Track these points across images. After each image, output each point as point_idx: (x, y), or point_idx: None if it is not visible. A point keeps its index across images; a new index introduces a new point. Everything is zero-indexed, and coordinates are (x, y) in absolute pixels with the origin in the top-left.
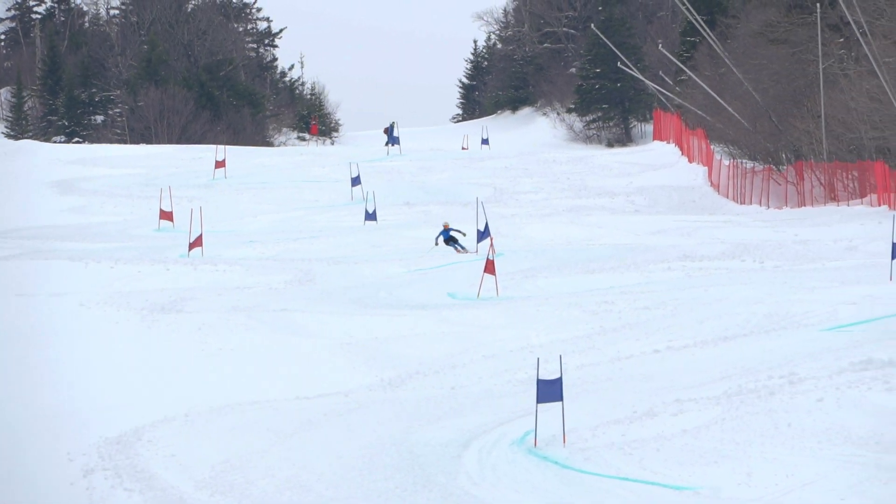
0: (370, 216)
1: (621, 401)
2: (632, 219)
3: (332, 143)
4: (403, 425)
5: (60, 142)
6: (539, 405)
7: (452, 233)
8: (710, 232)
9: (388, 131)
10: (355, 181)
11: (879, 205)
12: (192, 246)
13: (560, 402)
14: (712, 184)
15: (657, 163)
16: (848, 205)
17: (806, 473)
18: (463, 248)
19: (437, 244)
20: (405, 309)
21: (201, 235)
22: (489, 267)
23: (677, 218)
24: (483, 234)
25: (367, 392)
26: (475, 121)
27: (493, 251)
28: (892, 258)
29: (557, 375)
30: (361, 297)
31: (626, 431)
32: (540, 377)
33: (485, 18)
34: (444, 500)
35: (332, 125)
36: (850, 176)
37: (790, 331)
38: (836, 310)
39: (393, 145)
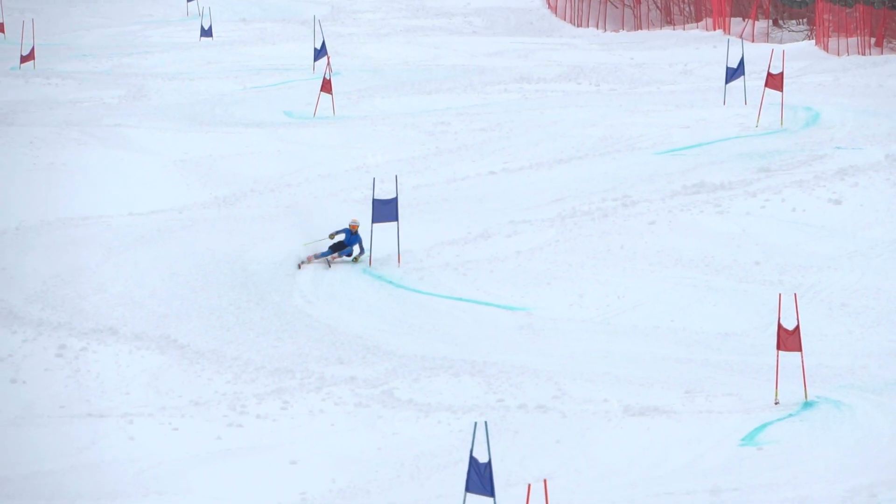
0: (206, 32)
1: (456, 222)
2: (469, 40)
3: None
4: (237, 243)
5: None
6: (374, 225)
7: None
8: (547, 54)
9: None
10: None
11: (714, 29)
12: (24, 59)
13: (395, 223)
14: (550, 6)
15: None
16: (684, 28)
17: (637, 295)
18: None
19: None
20: (240, 126)
21: (34, 48)
22: (326, 86)
23: (514, 40)
24: (320, 53)
25: (201, 209)
26: None
27: (330, 70)
28: (726, 82)
29: (393, 196)
30: (196, 113)
31: (460, 252)
32: (375, 197)
33: None
34: (277, 317)
35: None
36: None
37: (624, 154)
38: (669, 133)
39: None
